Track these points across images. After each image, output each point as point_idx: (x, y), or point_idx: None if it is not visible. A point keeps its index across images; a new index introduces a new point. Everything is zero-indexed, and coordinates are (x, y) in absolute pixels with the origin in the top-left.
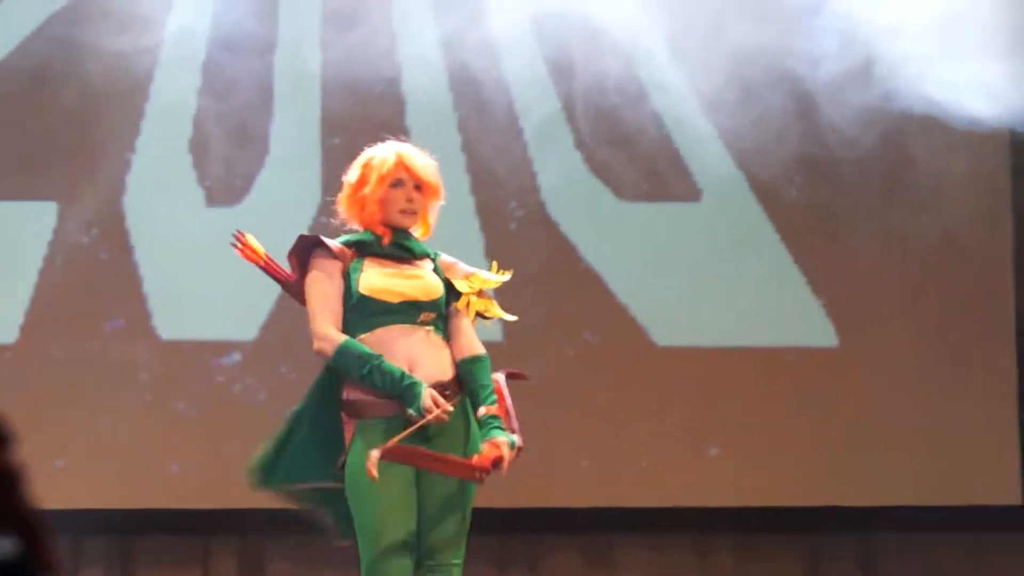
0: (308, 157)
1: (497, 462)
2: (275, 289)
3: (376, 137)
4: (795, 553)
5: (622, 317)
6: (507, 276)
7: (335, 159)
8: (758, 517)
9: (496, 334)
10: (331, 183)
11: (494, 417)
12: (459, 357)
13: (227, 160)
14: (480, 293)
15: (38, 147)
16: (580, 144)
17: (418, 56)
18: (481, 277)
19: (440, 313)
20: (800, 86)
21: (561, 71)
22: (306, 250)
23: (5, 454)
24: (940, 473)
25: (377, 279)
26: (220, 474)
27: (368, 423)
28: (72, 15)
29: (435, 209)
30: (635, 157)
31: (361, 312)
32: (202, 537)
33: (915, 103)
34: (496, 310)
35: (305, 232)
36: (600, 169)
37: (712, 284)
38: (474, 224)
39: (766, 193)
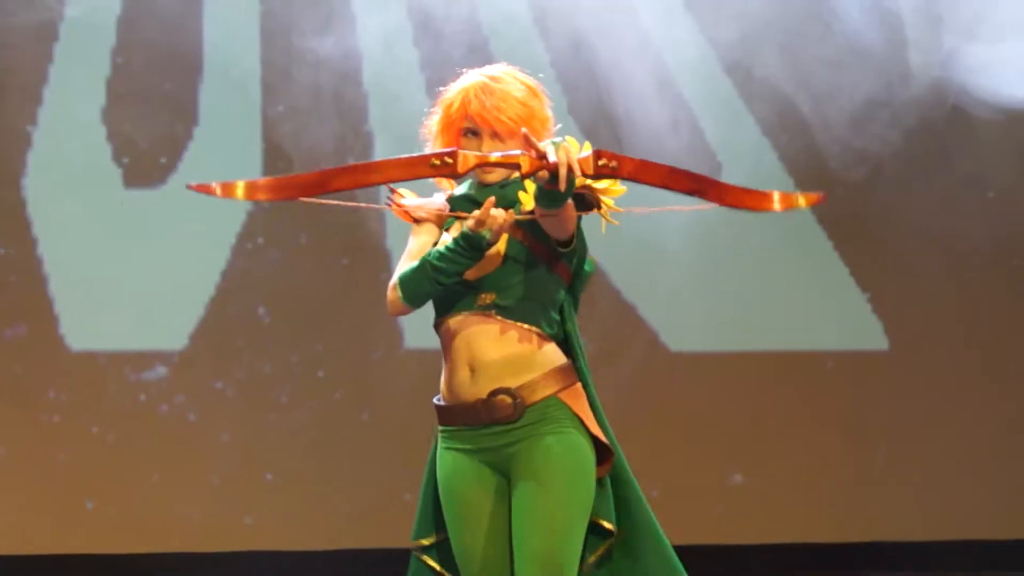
0: (246, 127)
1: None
2: (207, 290)
3: (331, 107)
4: None
5: (629, 318)
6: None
7: (279, 129)
8: (790, 555)
9: None
10: (274, 158)
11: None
12: None
13: (148, 133)
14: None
15: None
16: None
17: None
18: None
19: (509, 284)
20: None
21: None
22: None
23: None
24: (1006, 503)
25: None
26: (147, 511)
27: (445, 431)
28: None
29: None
30: (635, 127)
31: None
32: None
33: (960, 95)
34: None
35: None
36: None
37: (734, 277)
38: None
39: (799, 174)
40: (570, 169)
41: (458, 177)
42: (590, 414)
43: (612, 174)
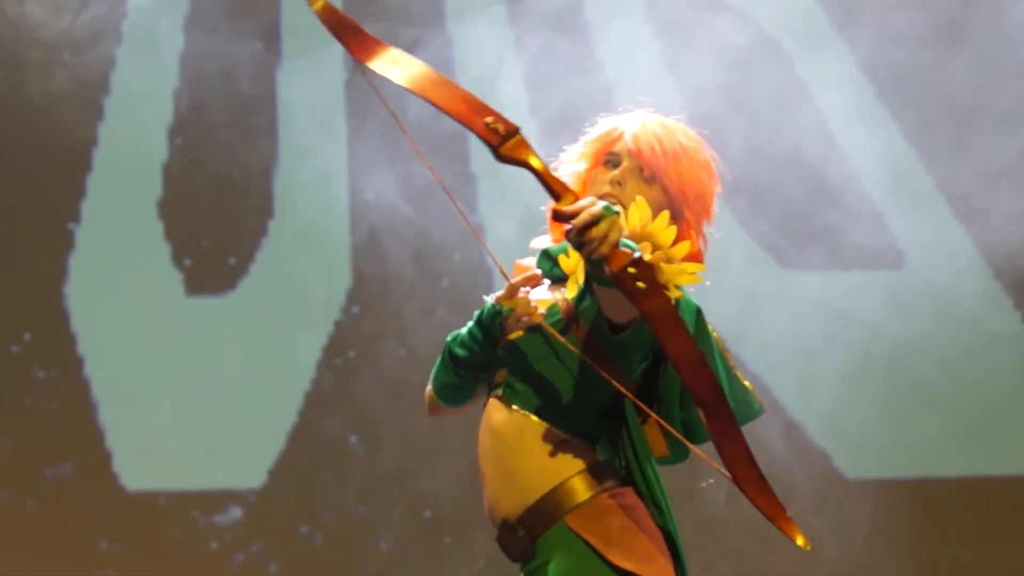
0: (330, 218)
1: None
2: (289, 417)
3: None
4: None
5: (798, 437)
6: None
7: (366, 220)
8: None
9: None
10: (362, 261)
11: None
12: None
13: (212, 229)
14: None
15: None
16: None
17: None
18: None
19: (526, 360)
20: None
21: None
22: None
23: None
24: None
25: None
26: None
27: None
28: None
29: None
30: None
31: None
32: None
33: None
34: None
35: None
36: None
37: (920, 386)
38: None
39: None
40: (591, 239)
41: (498, 158)
42: (621, 536)
43: (632, 292)
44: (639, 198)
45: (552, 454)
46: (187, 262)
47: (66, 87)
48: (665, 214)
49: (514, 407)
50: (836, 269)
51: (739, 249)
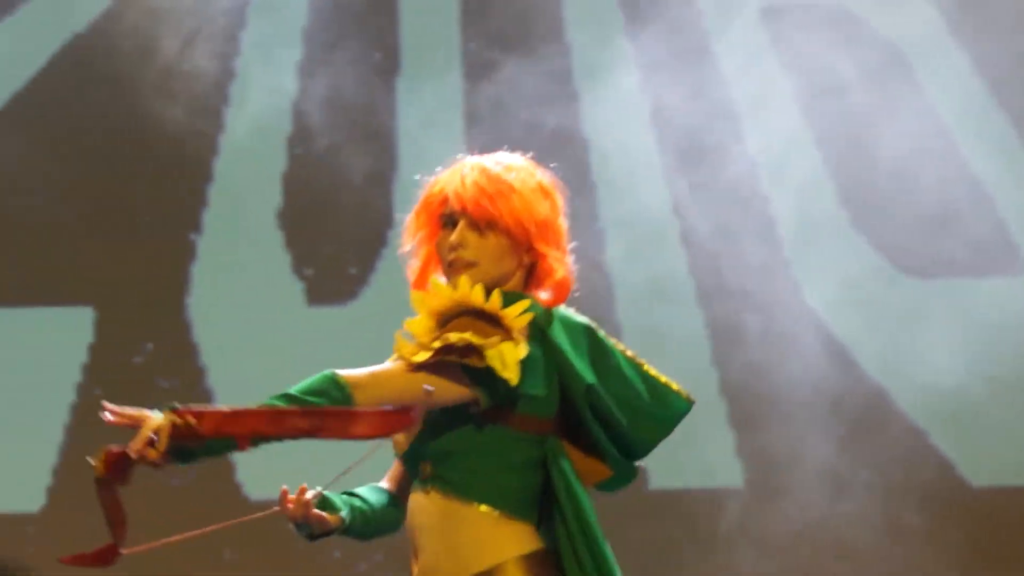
0: None
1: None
2: None
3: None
4: None
5: (919, 445)
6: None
7: None
8: None
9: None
10: None
11: None
12: None
13: (333, 238)
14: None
15: (67, 231)
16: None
17: None
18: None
19: (447, 448)
20: None
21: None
22: None
23: None
24: None
25: None
26: None
27: None
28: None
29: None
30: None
31: None
32: None
33: None
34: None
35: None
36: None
37: None
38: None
39: None
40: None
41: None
42: None
43: (201, 435)
44: (432, 281)
45: (494, 533)
46: (308, 272)
47: (186, 99)
48: (464, 282)
49: (451, 494)
50: (958, 277)
51: (858, 257)
